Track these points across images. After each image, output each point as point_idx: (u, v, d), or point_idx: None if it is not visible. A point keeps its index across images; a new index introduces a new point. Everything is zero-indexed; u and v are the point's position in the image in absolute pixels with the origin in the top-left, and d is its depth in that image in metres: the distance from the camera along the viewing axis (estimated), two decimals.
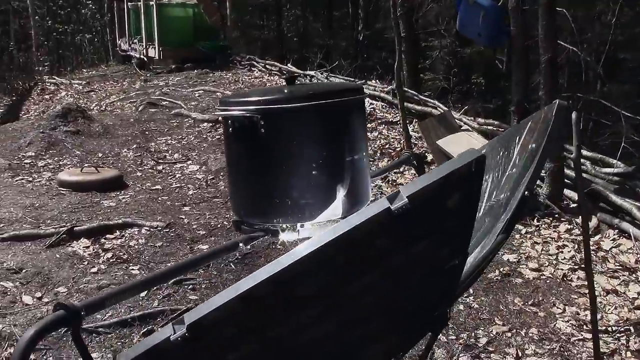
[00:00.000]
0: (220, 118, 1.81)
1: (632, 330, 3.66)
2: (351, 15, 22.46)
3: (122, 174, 5.75)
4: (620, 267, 4.39)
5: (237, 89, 10.98)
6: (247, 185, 1.91)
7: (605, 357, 3.44)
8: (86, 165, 5.73)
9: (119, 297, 1.39)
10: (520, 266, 4.42)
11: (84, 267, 4.02)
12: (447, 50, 12.13)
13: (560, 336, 3.62)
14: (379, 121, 8.24)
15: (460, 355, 3.39)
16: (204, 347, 1.29)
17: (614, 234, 4.78)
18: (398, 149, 6.95)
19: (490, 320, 3.75)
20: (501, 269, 4.33)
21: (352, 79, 10.66)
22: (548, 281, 4.25)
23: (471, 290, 4.06)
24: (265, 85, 11.63)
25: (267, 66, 13.63)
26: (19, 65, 23.20)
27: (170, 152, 6.77)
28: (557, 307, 3.93)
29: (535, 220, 5.08)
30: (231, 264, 4.02)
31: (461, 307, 3.86)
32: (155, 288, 3.79)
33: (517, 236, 4.89)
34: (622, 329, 3.69)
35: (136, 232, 4.51)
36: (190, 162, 6.27)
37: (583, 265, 4.36)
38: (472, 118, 7.12)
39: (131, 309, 3.58)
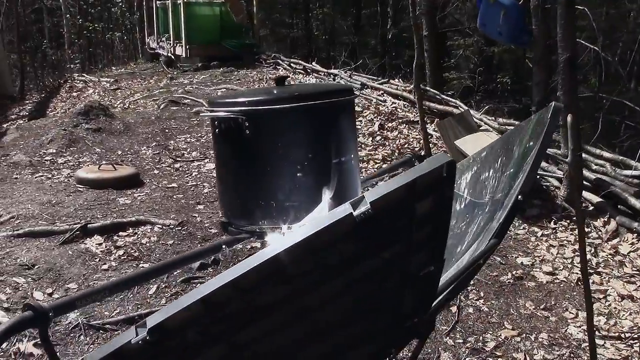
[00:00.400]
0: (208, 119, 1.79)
1: None
2: (380, 13, 22.34)
3: (139, 172, 5.80)
4: (637, 272, 4.29)
5: (261, 87, 11.00)
6: (233, 186, 1.91)
7: None
8: (104, 162, 5.79)
9: (90, 299, 1.39)
10: (534, 269, 4.34)
11: (95, 264, 4.06)
12: (472, 48, 11.98)
13: (570, 342, 3.55)
14: (400, 120, 8.17)
15: (467, 359, 3.35)
16: (168, 351, 1.28)
17: (633, 238, 4.66)
18: (417, 149, 6.89)
19: (500, 324, 3.69)
20: (514, 272, 4.26)
21: (376, 78, 10.59)
22: (562, 285, 4.17)
23: (482, 294, 4.01)
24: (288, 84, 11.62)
25: (291, 65, 13.63)
26: (52, 63, 23.64)
27: (188, 150, 6.81)
28: (570, 312, 3.86)
29: (552, 223, 4.99)
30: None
31: (470, 310, 3.81)
32: (164, 286, 3.83)
33: (533, 239, 4.81)
34: (636, 336, 3.61)
35: (149, 230, 4.54)
36: (208, 160, 6.29)
37: (598, 270, 4.28)
38: (492, 118, 7.02)
39: (138, 306, 3.62)
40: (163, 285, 3.82)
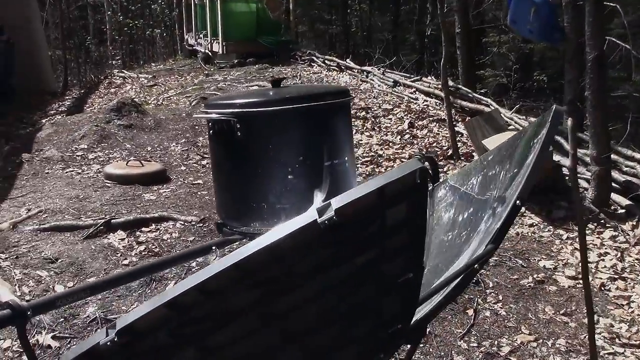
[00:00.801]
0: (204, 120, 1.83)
1: None
2: (418, 9, 22.15)
3: (165, 168, 5.89)
4: None
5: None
6: (227, 187, 1.92)
7: None
8: (132, 159, 5.89)
9: (70, 298, 1.42)
10: (557, 273, 4.25)
11: (116, 259, 4.14)
12: (509, 45, 11.77)
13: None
14: (431, 119, 8.10)
15: None
16: (139, 353, 1.30)
17: None
18: (445, 148, 6.82)
19: (517, 329, 3.63)
20: (535, 276, 4.18)
21: (408, 75, 10.51)
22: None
23: (500, 297, 3.94)
24: (322, 80, 11.63)
25: (325, 61, 13.62)
26: (94, 60, 24.14)
27: None
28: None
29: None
30: None
31: (487, 313, 3.76)
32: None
33: (557, 242, 4.71)
34: None
35: (171, 226, 4.60)
36: None
37: (623, 275, 4.18)
38: (523, 117, 6.89)
39: None
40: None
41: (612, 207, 5.07)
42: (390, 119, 8.09)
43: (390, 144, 7.02)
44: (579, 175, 5.45)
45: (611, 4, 5.08)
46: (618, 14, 5.66)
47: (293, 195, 1.82)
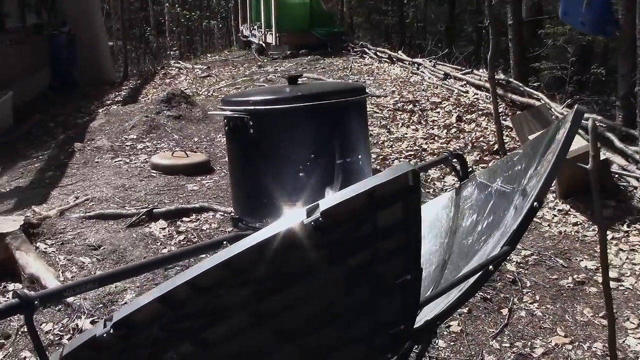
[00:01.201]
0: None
1: None
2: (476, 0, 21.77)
3: (210, 159, 5.99)
4: None
5: (343, 76, 11.01)
6: (241, 184, 1.95)
7: None
8: (177, 149, 6.01)
9: (78, 289, 1.47)
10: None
11: (156, 247, 4.24)
12: (566, 37, 11.40)
13: (627, 353, 3.37)
14: (480, 112, 7.96)
15: None
16: (136, 345, 1.34)
17: None
18: (492, 143, 6.69)
19: (552, 330, 3.55)
20: (575, 276, 4.08)
21: (460, 68, 10.34)
22: (626, 293, 3.95)
23: (537, 297, 3.86)
24: (373, 72, 11.57)
25: (377, 53, 13.54)
26: (153, 50, 24.70)
27: None
28: (631, 322, 3.65)
29: (625, 226, 4.72)
30: None
31: (522, 313, 3.69)
32: None
33: None
34: None
35: (211, 217, 4.68)
36: None
37: None
38: None
39: None
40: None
41: None
42: (438, 112, 7.99)
43: (436, 137, 6.93)
44: (629, 173, 5.27)
45: None
46: None
47: (304, 192, 1.83)
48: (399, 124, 7.48)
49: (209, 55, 19.85)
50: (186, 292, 1.24)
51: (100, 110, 9.65)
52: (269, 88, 2.80)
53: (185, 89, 9.40)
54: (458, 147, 6.58)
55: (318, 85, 2.86)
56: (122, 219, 4.59)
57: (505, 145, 6.38)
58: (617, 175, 5.28)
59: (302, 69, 12.11)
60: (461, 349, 3.35)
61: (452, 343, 3.38)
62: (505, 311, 3.67)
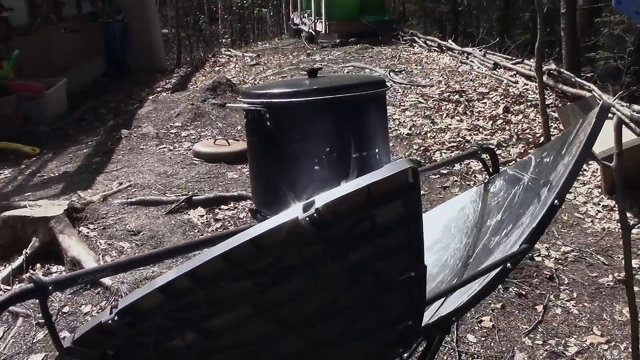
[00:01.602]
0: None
1: None
2: None
3: None
4: None
5: (390, 65, 10.92)
6: (259, 176, 1.96)
7: None
8: (219, 137, 6.10)
9: (91, 276, 1.52)
10: None
11: (193, 234, 4.33)
12: (624, 26, 10.98)
13: None
14: (529, 104, 7.77)
15: None
16: (142, 332, 1.37)
17: None
18: (538, 135, 6.53)
19: (588, 329, 3.46)
20: (616, 275, 3.96)
21: (510, 57, 10.11)
22: (627, 297, 3.81)
23: (575, 294, 3.77)
24: (421, 61, 11.45)
25: (427, 42, 13.37)
26: (205, 38, 25.03)
27: None
28: None
29: None
30: None
31: (558, 311, 3.61)
32: None
33: None
34: None
35: (248, 205, 4.73)
36: None
37: None
38: (627, 104, 6.44)
39: None
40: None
41: None
42: (485, 102, 7.85)
43: (481, 129, 6.81)
44: None
45: None
46: None
47: (320, 186, 1.83)
48: (443, 114, 7.39)
49: (259, 43, 20.01)
50: (186, 282, 1.26)
51: (149, 98, 9.85)
52: (287, 81, 2.81)
53: (233, 77, 9.50)
54: (502, 139, 6.46)
55: (337, 78, 2.84)
56: (162, 206, 4.69)
57: (551, 138, 6.22)
58: None
59: (349, 58, 12.07)
60: (492, 344, 3.31)
61: (482, 338, 3.34)
62: (540, 308, 3.60)
